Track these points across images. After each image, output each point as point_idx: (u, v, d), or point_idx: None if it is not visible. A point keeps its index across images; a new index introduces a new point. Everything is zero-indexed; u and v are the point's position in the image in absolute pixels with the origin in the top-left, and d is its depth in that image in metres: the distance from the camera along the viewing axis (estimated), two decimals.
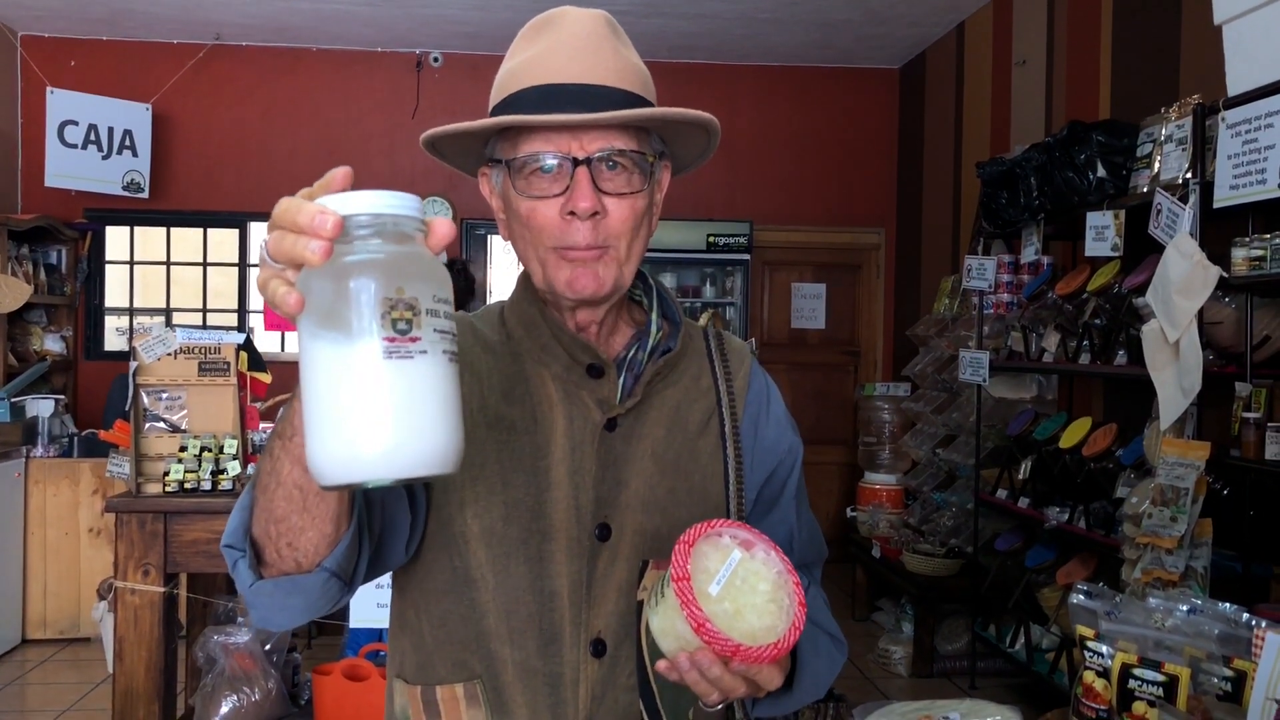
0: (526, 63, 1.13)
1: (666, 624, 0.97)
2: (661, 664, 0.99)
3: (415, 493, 1.14)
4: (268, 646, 3.54)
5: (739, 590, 0.97)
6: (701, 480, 1.21)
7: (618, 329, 1.23)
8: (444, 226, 0.82)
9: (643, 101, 1.12)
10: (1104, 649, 1.64)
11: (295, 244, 0.75)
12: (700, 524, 0.99)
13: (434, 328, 0.79)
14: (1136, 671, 1.57)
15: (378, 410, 0.77)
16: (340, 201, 0.77)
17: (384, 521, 1.12)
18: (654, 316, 1.24)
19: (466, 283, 5.05)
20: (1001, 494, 4.48)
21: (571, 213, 1.09)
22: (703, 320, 4.15)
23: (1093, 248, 3.68)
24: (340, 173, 0.80)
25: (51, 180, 6.39)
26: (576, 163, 1.09)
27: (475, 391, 1.16)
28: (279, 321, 6.82)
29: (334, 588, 1.04)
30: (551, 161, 1.09)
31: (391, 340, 0.77)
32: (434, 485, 1.15)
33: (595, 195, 1.09)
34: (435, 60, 7.13)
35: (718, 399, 1.24)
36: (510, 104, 1.12)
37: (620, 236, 1.12)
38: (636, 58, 1.16)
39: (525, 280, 1.22)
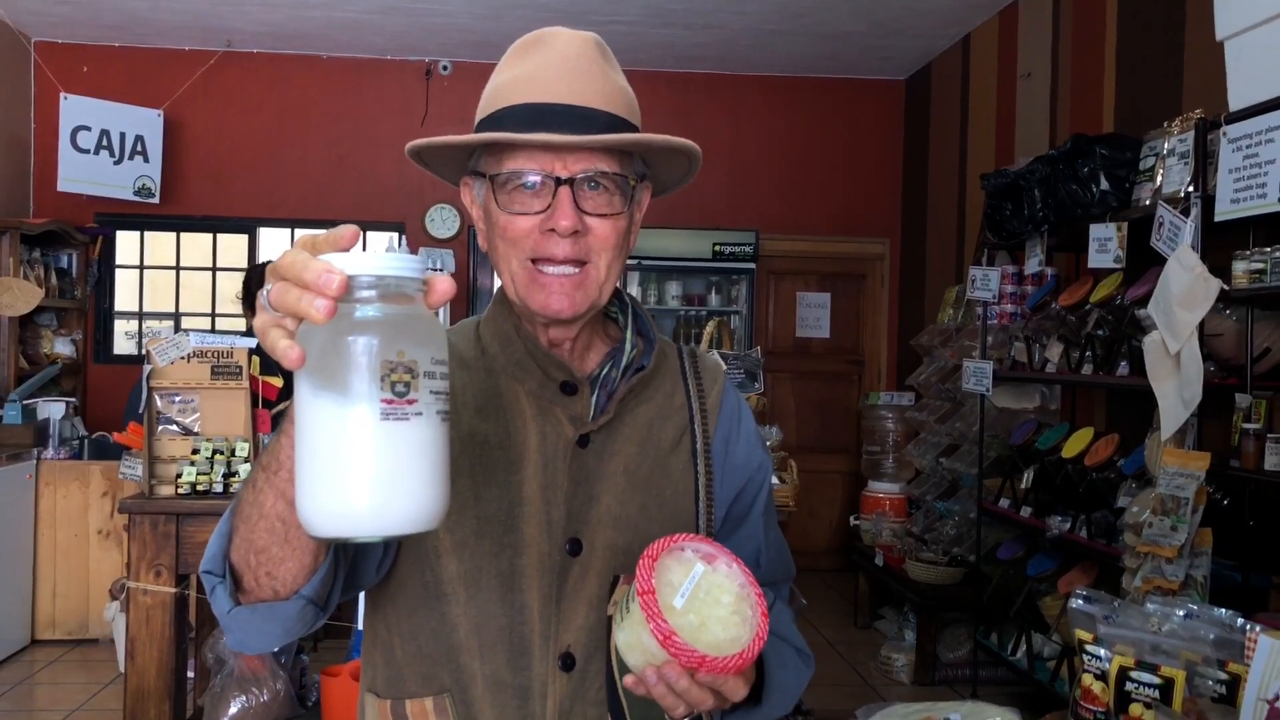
0: (515, 80, 1.14)
1: (633, 638, 0.99)
2: (629, 679, 1.00)
3: None
4: (276, 648, 3.58)
5: (703, 603, 0.99)
6: (673, 496, 1.23)
7: (592, 345, 1.24)
8: (444, 284, 0.83)
9: (627, 125, 1.14)
10: (1102, 652, 1.67)
11: (300, 299, 0.77)
12: (663, 539, 1.01)
13: (430, 389, 0.82)
14: (1133, 674, 1.60)
15: (371, 470, 0.80)
16: (345, 261, 0.78)
17: (357, 547, 1.13)
18: (629, 334, 1.25)
19: None
20: (1004, 503, 4.51)
21: (552, 229, 1.11)
22: (709, 329, 4.19)
23: (1095, 259, 3.71)
24: (349, 231, 0.81)
25: (64, 185, 6.45)
26: (560, 182, 1.11)
27: (452, 407, 1.18)
28: None
29: (310, 613, 1.07)
30: (535, 179, 1.11)
31: (389, 402, 0.79)
32: None
33: (576, 214, 1.11)
34: (444, 68, 7.19)
35: (690, 416, 1.25)
36: (497, 119, 1.15)
37: (600, 254, 1.14)
38: (623, 80, 1.18)
39: (502, 296, 1.24)
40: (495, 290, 1.26)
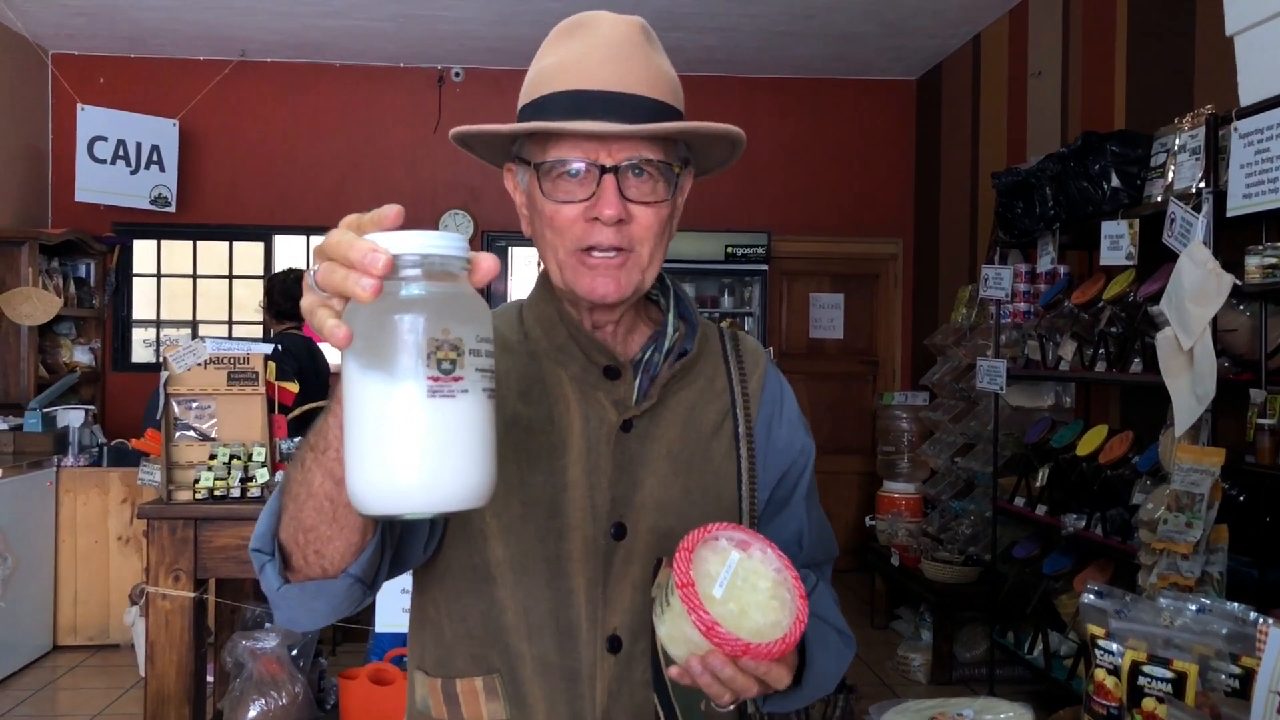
0: (558, 65, 1.13)
1: (675, 631, 1.00)
2: (673, 670, 1.01)
3: None
4: (294, 651, 3.60)
5: (741, 590, 1.00)
6: (715, 481, 1.23)
7: (635, 329, 1.24)
8: (488, 262, 0.84)
9: (672, 110, 1.14)
10: (1114, 647, 1.68)
11: (346, 278, 0.78)
12: (697, 530, 1.02)
13: (476, 367, 0.82)
14: (1146, 669, 1.61)
15: (419, 447, 0.80)
16: (390, 240, 0.79)
17: (404, 524, 1.15)
18: (670, 318, 1.25)
19: (294, 300, 4.77)
20: (1019, 502, 4.50)
21: (596, 218, 1.11)
22: None
23: (1108, 256, 3.71)
24: (393, 210, 0.81)
25: (81, 195, 6.52)
26: (604, 170, 1.10)
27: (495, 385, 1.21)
28: (306, 333, 6.90)
29: (358, 591, 1.08)
30: (579, 167, 1.11)
31: (436, 380, 0.80)
32: None
33: (620, 202, 1.10)
34: (457, 75, 7.23)
35: (732, 400, 1.25)
36: (540, 106, 1.13)
37: (644, 242, 1.14)
38: (668, 65, 1.17)
39: (544, 280, 1.24)
40: (538, 274, 1.26)
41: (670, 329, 1.24)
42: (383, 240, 0.79)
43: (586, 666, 1.16)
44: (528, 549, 1.16)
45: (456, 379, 0.81)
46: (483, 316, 0.84)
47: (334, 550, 1.03)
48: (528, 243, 7.39)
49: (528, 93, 1.16)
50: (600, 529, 1.16)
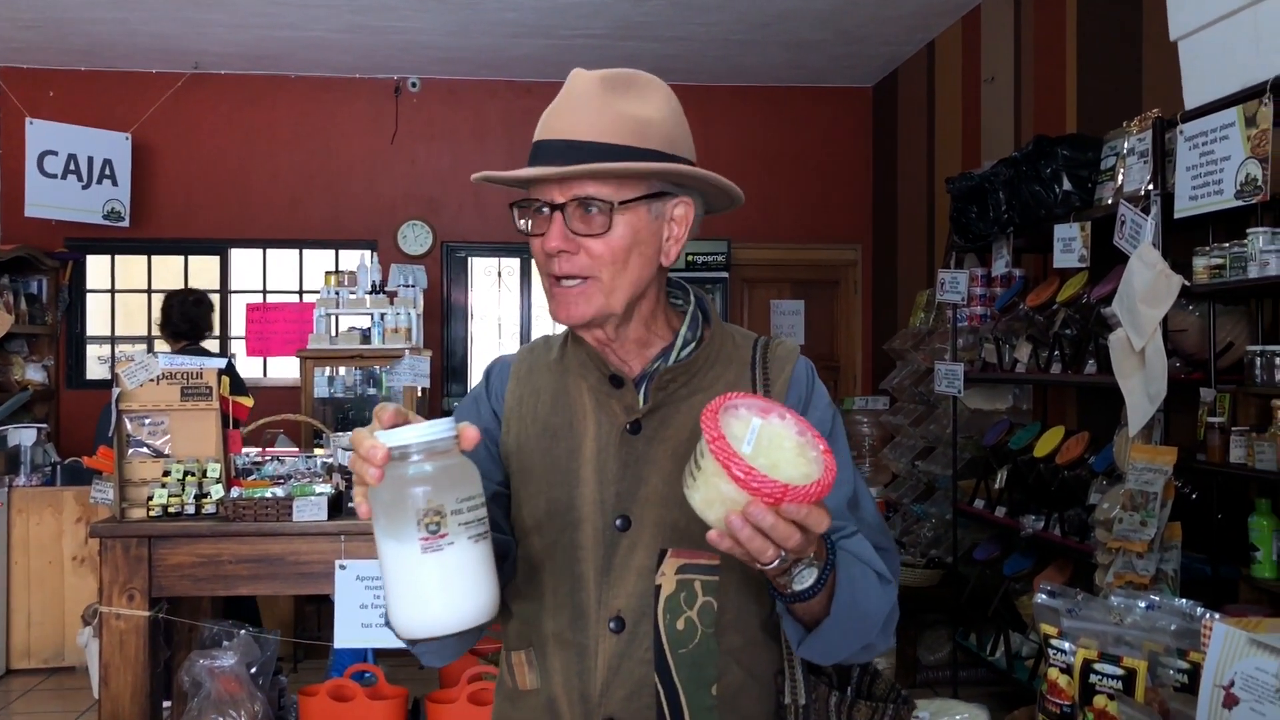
0: (541, 121, 1.31)
1: (710, 492, 1.04)
2: (712, 534, 1.05)
3: (502, 518, 1.35)
4: (253, 669, 3.55)
5: (769, 448, 1.05)
6: None
7: (650, 342, 1.37)
8: (470, 431, 1.08)
9: (621, 150, 1.25)
10: (1066, 646, 1.69)
11: (361, 468, 1.04)
12: (717, 399, 1.08)
13: (459, 522, 1.05)
14: (1097, 666, 1.62)
15: (421, 590, 1.06)
16: (389, 435, 1.04)
17: (500, 547, 1.27)
18: (683, 331, 1.38)
19: (191, 321, 4.84)
20: (979, 504, 4.54)
21: (546, 250, 1.27)
22: None
23: (1061, 259, 3.75)
24: (387, 414, 1.07)
25: (31, 210, 6.42)
26: (553, 208, 1.26)
27: (532, 405, 1.39)
28: (260, 347, 6.84)
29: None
30: (540, 207, 1.28)
31: (426, 540, 1.04)
32: (509, 487, 1.39)
33: (564, 236, 1.26)
34: (413, 85, 7.20)
35: None
36: (530, 155, 1.30)
37: (602, 269, 1.27)
38: (635, 108, 1.28)
39: None
40: None
41: (679, 341, 1.37)
42: (383, 436, 1.04)
43: (593, 643, 1.30)
44: (554, 540, 1.33)
45: (442, 535, 1.04)
46: (466, 479, 1.07)
47: None
48: (487, 253, 7.41)
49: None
50: (607, 521, 1.31)
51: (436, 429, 1.05)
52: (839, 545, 1.22)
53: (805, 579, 1.14)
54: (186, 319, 4.82)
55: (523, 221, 1.32)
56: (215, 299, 7.15)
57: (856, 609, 1.21)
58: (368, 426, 1.09)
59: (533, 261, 6.72)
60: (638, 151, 1.27)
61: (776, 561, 1.06)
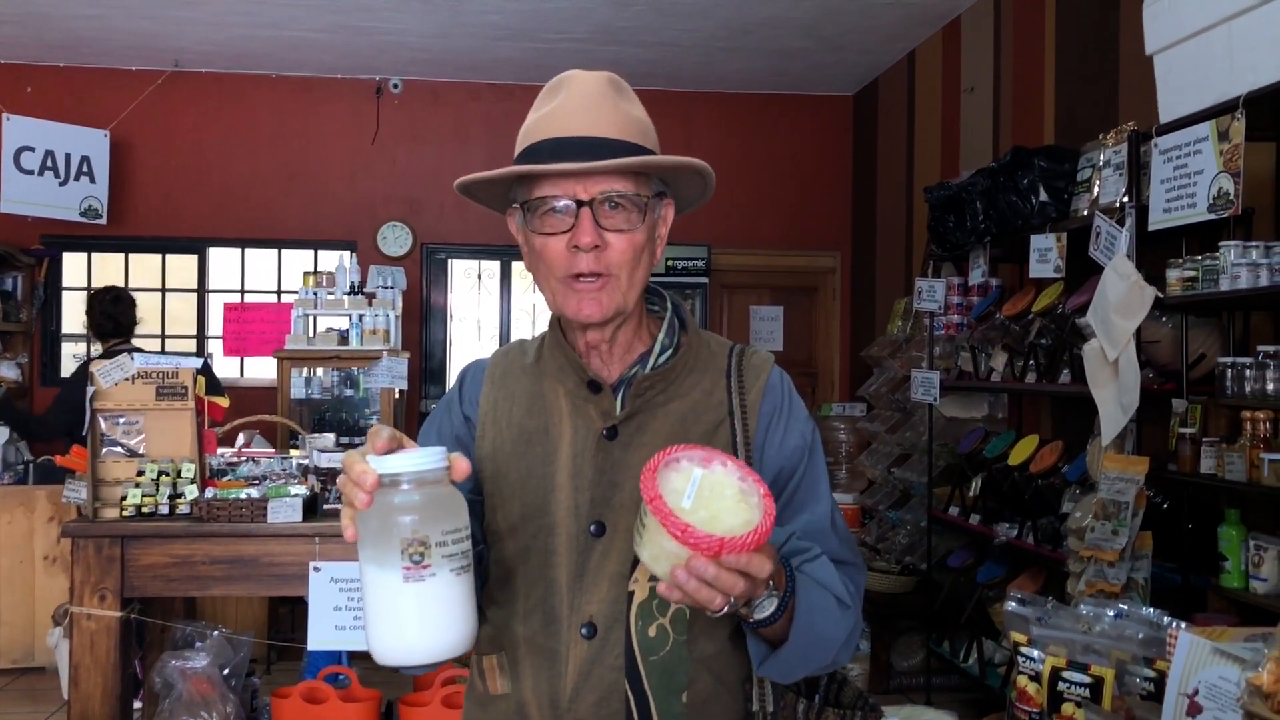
0: (541, 119, 1.31)
1: (655, 549, 1.07)
2: (661, 587, 1.09)
3: (475, 526, 1.31)
4: (226, 671, 3.54)
5: (709, 498, 1.07)
6: None
7: (632, 348, 1.38)
8: (462, 463, 1.09)
9: (642, 149, 1.29)
10: (1035, 653, 1.71)
11: (351, 492, 1.04)
12: (657, 455, 1.10)
13: (443, 554, 1.06)
14: (1065, 674, 1.64)
15: (400, 619, 1.06)
16: (381, 461, 1.04)
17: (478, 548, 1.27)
18: (660, 338, 1.39)
19: (113, 319, 4.87)
20: (954, 511, 4.57)
21: (576, 246, 1.26)
22: None
23: (1036, 269, 3.78)
24: (381, 441, 1.07)
25: (7, 206, 6.36)
26: (580, 204, 1.26)
27: (507, 409, 1.38)
28: (237, 347, 6.81)
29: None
30: (561, 204, 1.27)
31: (408, 569, 1.04)
32: (482, 493, 1.38)
33: (596, 231, 1.26)
34: (395, 86, 7.19)
35: (730, 411, 1.37)
36: (528, 155, 1.30)
37: (621, 266, 1.28)
38: (639, 111, 1.33)
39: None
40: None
41: (658, 348, 1.38)
42: (375, 462, 1.04)
43: (564, 648, 1.30)
44: (527, 544, 1.33)
45: (425, 566, 1.04)
46: (453, 511, 1.08)
47: None
48: (467, 255, 7.40)
49: (520, 143, 1.33)
50: (581, 526, 1.31)
51: (428, 459, 1.06)
52: (802, 570, 1.25)
53: (765, 608, 1.17)
54: (108, 317, 4.87)
55: (534, 220, 1.30)
56: (193, 298, 7.13)
57: (814, 633, 1.24)
58: (360, 449, 1.09)
59: (514, 264, 6.69)
60: (647, 150, 1.30)
61: (727, 607, 1.09)
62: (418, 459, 1.05)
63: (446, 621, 1.07)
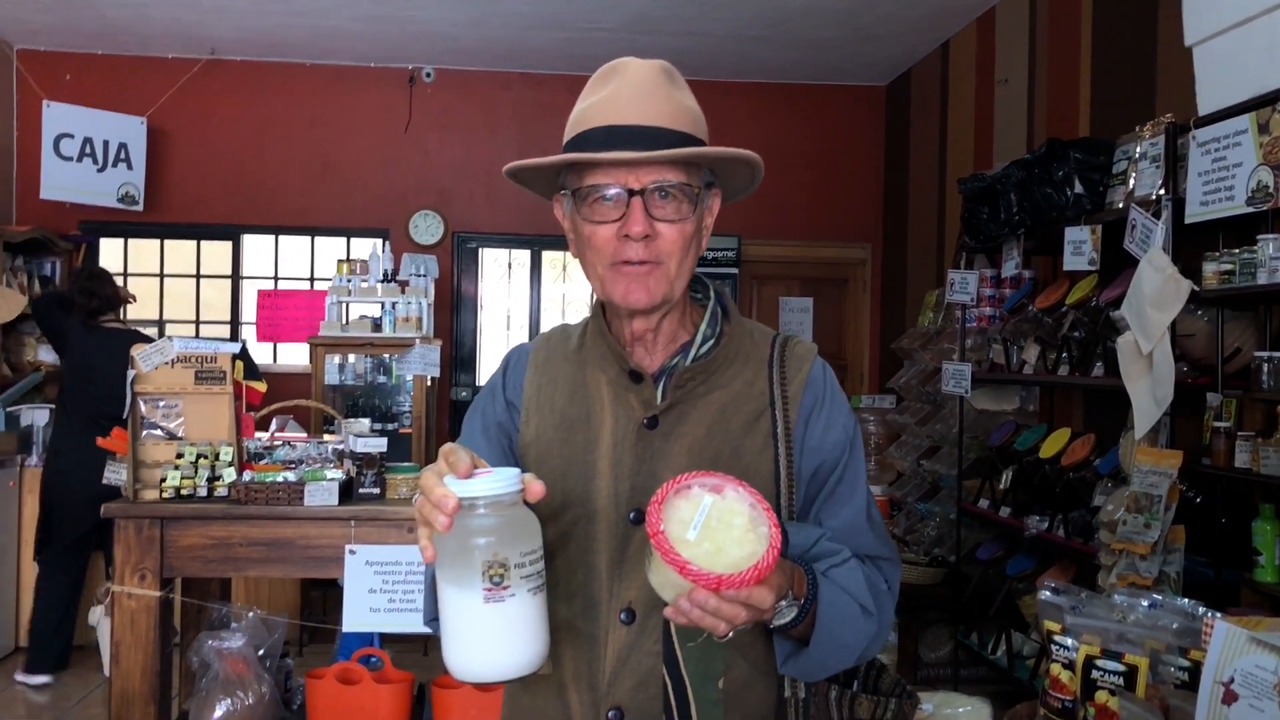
0: (593, 106, 1.31)
1: (660, 578, 1.11)
2: (667, 611, 1.12)
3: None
4: (261, 651, 3.59)
5: (716, 529, 1.10)
6: (745, 476, 1.28)
7: (676, 337, 1.39)
8: (536, 485, 1.13)
9: (693, 140, 1.30)
10: (1069, 642, 1.71)
11: (430, 513, 1.08)
12: (669, 482, 1.12)
13: (521, 575, 1.11)
14: (1099, 662, 1.64)
15: (480, 638, 1.11)
16: (460, 485, 1.08)
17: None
18: (702, 328, 1.40)
19: (96, 295, 5.02)
20: (983, 504, 4.56)
21: (627, 235, 1.27)
22: None
23: (1070, 262, 3.76)
24: (463, 466, 1.10)
25: (46, 193, 6.45)
26: (632, 193, 1.27)
27: (550, 394, 1.40)
28: (271, 333, 6.88)
29: None
30: (611, 192, 1.28)
31: (489, 590, 1.09)
32: None
33: (647, 220, 1.27)
34: (427, 76, 7.22)
35: (770, 401, 1.37)
36: (579, 142, 1.31)
37: (671, 255, 1.30)
38: (691, 101, 1.34)
39: (596, 298, 1.41)
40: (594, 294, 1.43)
41: (699, 338, 1.39)
42: (454, 485, 1.08)
43: (603, 633, 1.32)
44: (568, 530, 1.34)
45: (505, 588, 1.09)
46: (529, 532, 1.13)
47: None
48: (498, 244, 7.43)
49: (570, 130, 1.34)
50: (621, 514, 1.33)
51: (504, 482, 1.10)
52: (828, 576, 1.27)
53: (785, 615, 1.20)
54: (87, 293, 5.01)
55: (584, 208, 1.30)
56: (227, 284, 7.20)
57: (836, 640, 1.26)
58: (434, 467, 1.12)
59: (544, 254, 6.71)
60: (699, 141, 1.31)
61: (732, 633, 1.13)
62: (496, 482, 1.09)
63: (525, 639, 1.12)
